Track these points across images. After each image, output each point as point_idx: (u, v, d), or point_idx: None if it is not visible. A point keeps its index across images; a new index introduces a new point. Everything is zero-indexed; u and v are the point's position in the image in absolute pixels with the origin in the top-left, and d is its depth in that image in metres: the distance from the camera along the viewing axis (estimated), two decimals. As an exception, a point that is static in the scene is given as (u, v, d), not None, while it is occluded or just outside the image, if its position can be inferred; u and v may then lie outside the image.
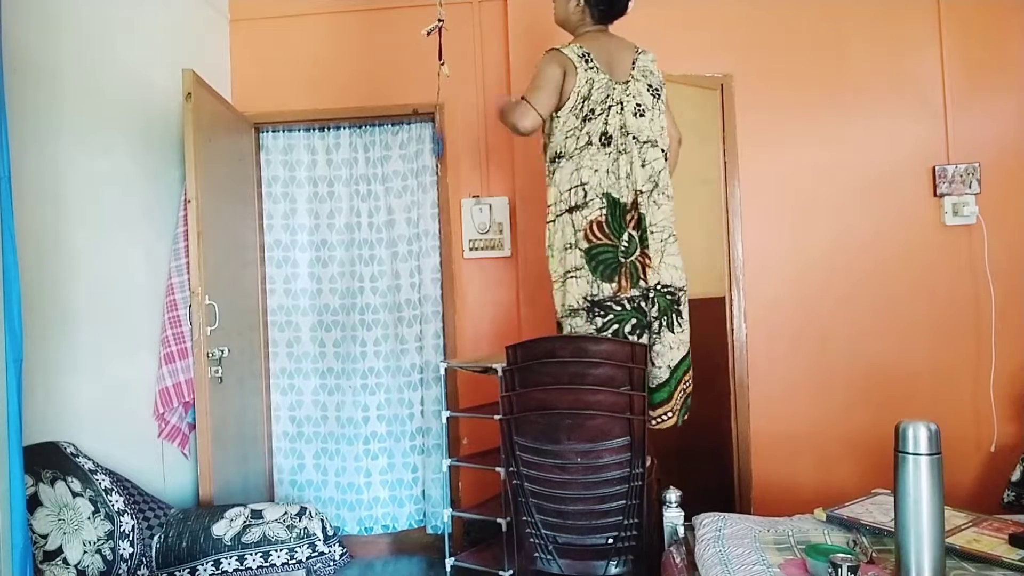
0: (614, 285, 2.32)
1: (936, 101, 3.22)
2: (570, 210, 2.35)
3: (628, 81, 2.39)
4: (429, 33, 2.68)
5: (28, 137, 2.21)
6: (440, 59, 2.69)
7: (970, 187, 3.15)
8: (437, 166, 3.53)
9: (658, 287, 2.35)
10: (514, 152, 3.38)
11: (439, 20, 2.67)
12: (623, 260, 2.33)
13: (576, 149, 2.34)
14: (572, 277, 2.35)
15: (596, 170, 2.34)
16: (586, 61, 2.34)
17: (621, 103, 2.36)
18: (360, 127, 3.68)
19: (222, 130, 3.18)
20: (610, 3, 2.45)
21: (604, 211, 2.33)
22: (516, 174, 3.39)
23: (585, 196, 2.33)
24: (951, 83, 3.20)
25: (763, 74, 3.29)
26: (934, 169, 3.19)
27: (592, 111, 2.34)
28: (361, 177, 3.69)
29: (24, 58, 2.20)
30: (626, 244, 2.34)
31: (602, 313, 2.33)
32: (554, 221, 2.40)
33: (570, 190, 2.35)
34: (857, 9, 3.26)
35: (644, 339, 2.34)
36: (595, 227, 2.33)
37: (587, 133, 2.34)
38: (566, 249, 2.37)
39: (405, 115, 3.55)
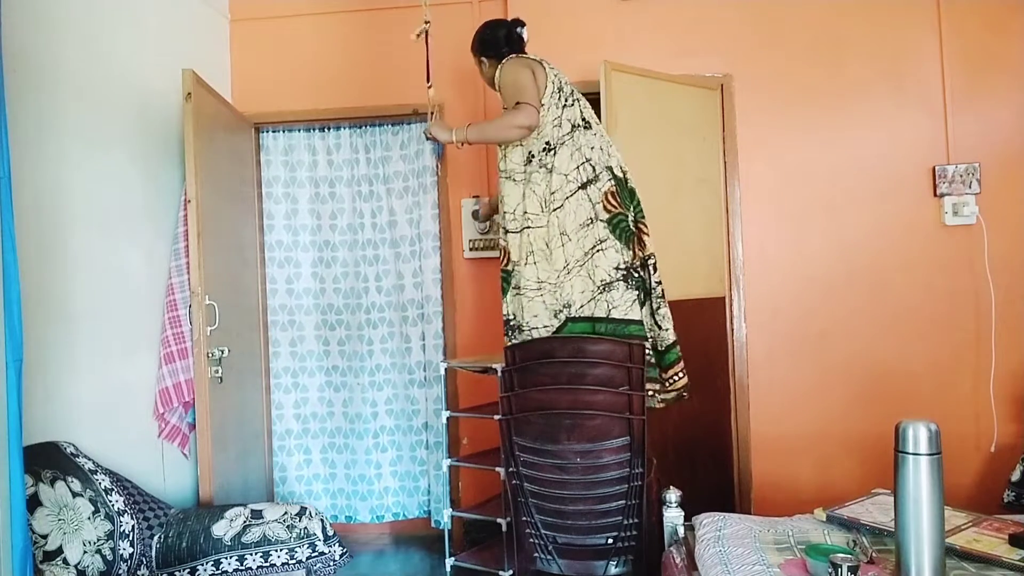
0: (630, 252, 2.41)
1: (936, 101, 3.21)
2: (583, 186, 2.39)
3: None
4: (419, 36, 2.68)
5: (28, 137, 2.21)
6: (428, 81, 2.72)
7: (970, 187, 3.15)
8: (437, 166, 3.52)
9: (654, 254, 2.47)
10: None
11: (425, 22, 2.67)
12: (633, 229, 2.42)
13: (566, 134, 2.42)
14: (599, 251, 2.38)
15: (592, 148, 2.42)
16: (545, 62, 2.48)
17: (575, 93, 2.50)
18: (360, 127, 3.69)
19: (222, 130, 3.18)
20: (508, 43, 2.56)
21: (612, 182, 2.41)
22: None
23: (594, 170, 2.41)
24: (951, 83, 3.20)
25: (763, 74, 3.29)
26: (934, 169, 3.18)
27: (567, 100, 2.45)
28: (363, 177, 3.70)
29: (24, 58, 2.20)
30: (633, 213, 2.44)
31: (636, 279, 2.40)
32: (561, 206, 2.38)
33: (577, 168, 2.40)
34: (857, 9, 3.25)
35: (647, 306, 2.41)
36: (610, 197, 2.40)
37: (568, 120, 2.43)
38: (585, 226, 2.39)
39: (405, 115, 3.55)
